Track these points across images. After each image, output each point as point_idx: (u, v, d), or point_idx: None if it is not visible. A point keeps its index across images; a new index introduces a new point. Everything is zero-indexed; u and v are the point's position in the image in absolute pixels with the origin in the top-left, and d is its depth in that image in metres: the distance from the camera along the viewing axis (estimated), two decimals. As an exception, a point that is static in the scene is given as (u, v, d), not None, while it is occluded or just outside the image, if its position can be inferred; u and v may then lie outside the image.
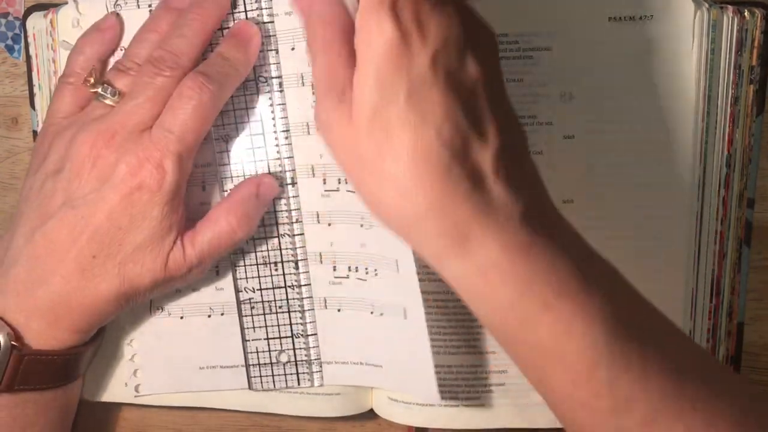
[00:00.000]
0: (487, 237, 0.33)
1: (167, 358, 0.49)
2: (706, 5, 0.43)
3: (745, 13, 0.45)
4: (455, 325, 0.47)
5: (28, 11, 0.49)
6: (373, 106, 0.33)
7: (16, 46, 0.51)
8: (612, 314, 0.34)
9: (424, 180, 0.33)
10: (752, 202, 0.47)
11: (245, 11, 0.45)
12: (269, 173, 0.46)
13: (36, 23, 0.48)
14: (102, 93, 0.43)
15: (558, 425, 0.43)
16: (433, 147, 0.33)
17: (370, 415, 0.50)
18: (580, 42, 0.45)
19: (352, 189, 0.45)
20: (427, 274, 0.46)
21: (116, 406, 0.52)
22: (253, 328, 0.48)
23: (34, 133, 0.50)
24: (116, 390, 0.50)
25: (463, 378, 0.48)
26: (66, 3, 0.47)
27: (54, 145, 0.43)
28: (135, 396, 0.50)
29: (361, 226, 0.45)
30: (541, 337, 0.34)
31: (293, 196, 0.46)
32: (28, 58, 0.49)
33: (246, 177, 0.46)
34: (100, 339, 0.47)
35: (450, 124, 0.33)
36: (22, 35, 0.50)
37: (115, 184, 0.41)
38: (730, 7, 0.45)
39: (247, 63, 0.44)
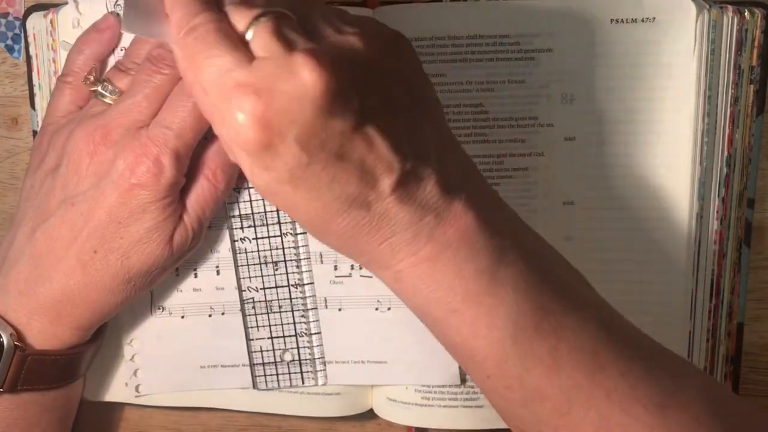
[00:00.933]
0: (397, 255, 0.36)
1: (168, 357, 0.49)
2: (707, 6, 0.43)
3: (745, 13, 0.45)
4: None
5: (28, 11, 0.49)
6: (263, 182, 0.34)
7: (16, 46, 0.51)
8: (521, 312, 0.36)
9: (329, 226, 0.36)
10: (752, 202, 0.47)
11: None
12: None
13: (36, 23, 0.48)
14: (101, 91, 0.43)
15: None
16: (329, 204, 0.34)
17: (370, 415, 0.50)
18: (582, 44, 0.45)
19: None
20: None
21: (116, 406, 0.52)
22: (257, 327, 0.48)
23: (34, 133, 0.50)
24: (116, 390, 0.50)
25: (463, 378, 0.48)
26: (66, 3, 0.47)
27: (52, 142, 0.43)
28: (135, 396, 0.50)
29: None
30: (452, 338, 0.37)
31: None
32: (28, 58, 0.49)
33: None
34: (101, 339, 0.47)
35: (338, 185, 0.34)
36: (22, 35, 0.50)
37: (114, 180, 0.41)
38: (730, 7, 0.45)
39: None
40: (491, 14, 0.45)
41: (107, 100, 0.42)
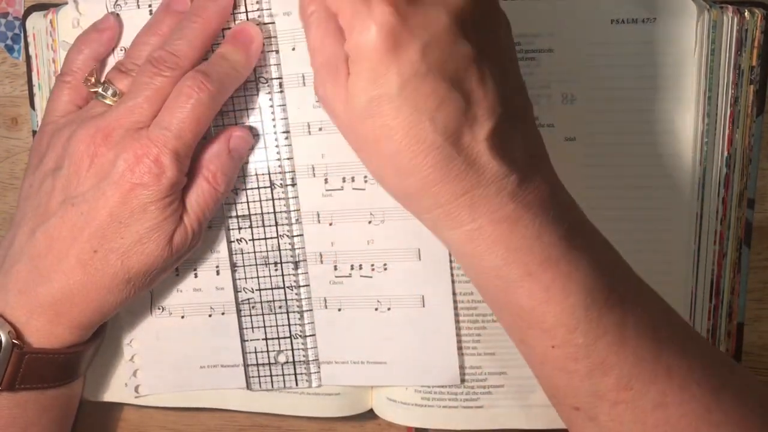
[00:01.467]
0: (477, 210, 0.35)
1: (167, 357, 0.49)
2: (707, 6, 0.43)
3: (745, 13, 0.45)
4: (454, 327, 0.47)
5: (28, 11, 0.49)
6: (367, 97, 0.34)
7: (16, 46, 0.51)
8: (594, 282, 0.36)
9: (418, 161, 0.35)
10: (752, 202, 0.47)
11: (246, 12, 0.45)
12: (241, 127, 0.45)
13: (36, 23, 0.48)
14: (102, 93, 0.43)
15: (557, 426, 0.43)
16: (426, 134, 0.34)
17: (370, 415, 0.50)
18: (582, 44, 0.45)
19: (359, 186, 0.45)
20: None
21: (116, 406, 0.52)
22: (252, 328, 0.48)
23: (34, 132, 0.50)
24: (116, 390, 0.50)
25: (462, 379, 0.48)
26: (66, 3, 0.47)
27: (52, 143, 0.43)
28: (135, 396, 0.50)
29: (370, 222, 0.45)
30: (522, 303, 0.36)
31: (293, 197, 0.46)
32: (28, 58, 0.49)
33: (246, 176, 0.46)
34: (101, 338, 0.47)
35: (442, 112, 0.34)
36: (22, 35, 0.50)
37: (115, 181, 0.41)
38: (730, 7, 0.45)
39: (247, 65, 0.44)
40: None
41: (108, 101, 0.43)
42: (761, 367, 0.50)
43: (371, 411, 0.50)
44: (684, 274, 0.46)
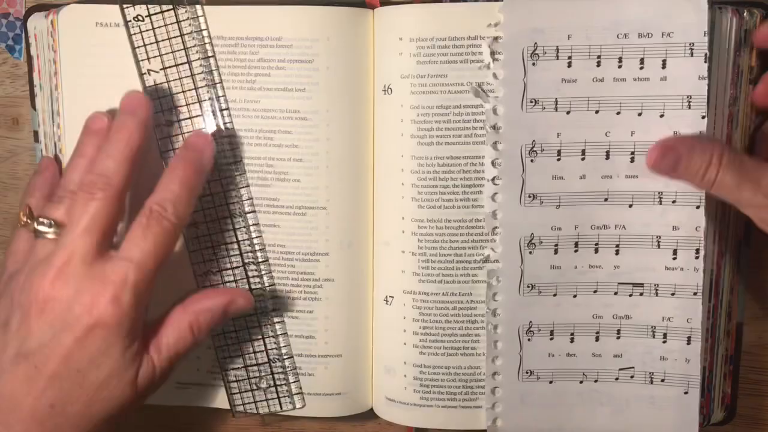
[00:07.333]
0: None
1: None
2: (707, 7, 0.43)
3: (745, 14, 0.45)
4: (454, 327, 0.47)
5: (29, 12, 0.49)
6: None
7: (17, 47, 0.51)
8: None
9: None
10: (751, 203, 0.47)
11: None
12: (245, 294, 0.45)
13: (37, 24, 0.48)
14: (40, 229, 0.41)
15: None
16: None
17: (370, 415, 0.50)
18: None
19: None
20: (425, 276, 0.47)
21: (117, 406, 0.52)
22: (230, 357, 0.49)
23: (35, 133, 0.50)
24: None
25: (461, 379, 0.48)
26: (67, 3, 0.47)
27: (3, 294, 0.42)
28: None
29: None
30: None
31: (253, 224, 0.47)
32: (29, 58, 0.49)
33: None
34: None
35: None
36: (23, 36, 0.50)
37: (70, 325, 0.39)
38: (730, 8, 0.45)
39: (200, 179, 0.43)
40: (492, 15, 0.45)
41: (50, 236, 0.41)
42: (760, 367, 0.50)
43: (371, 411, 0.50)
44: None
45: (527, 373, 0.47)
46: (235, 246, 0.47)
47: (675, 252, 0.45)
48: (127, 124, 0.42)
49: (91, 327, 0.39)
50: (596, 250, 0.46)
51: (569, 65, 0.44)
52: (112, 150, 0.41)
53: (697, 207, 0.45)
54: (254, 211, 0.47)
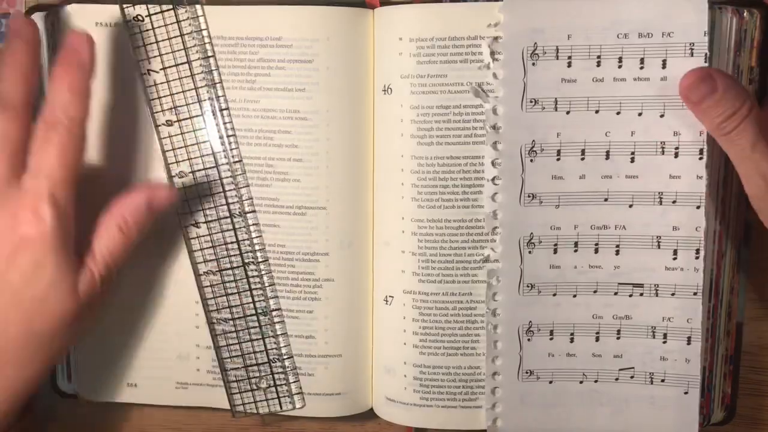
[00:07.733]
0: None
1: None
2: (707, 7, 0.43)
3: (745, 14, 0.45)
4: (453, 327, 0.47)
5: (29, 12, 0.49)
6: None
7: (17, 47, 0.51)
8: None
9: None
10: (751, 203, 0.47)
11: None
12: (166, 186, 0.45)
13: (37, 23, 0.48)
14: None
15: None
16: None
17: (370, 415, 0.50)
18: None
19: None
20: (425, 276, 0.47)
21: (116, 406, 0.52)
22: (230, 357, 0.49)
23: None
24: (116, 390, 0.50)
25: (461, 379, 0.48)
26: (67, 4, 0.47)
27: None
28: (135, 396, 0.50)
29: None
30: None
31: (253, 224, 0.47)
32: (29, 58, 0.49)
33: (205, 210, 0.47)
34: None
35: None
36: (23, 36, 0.50)
37: None
38: (730, 8, 0.45)
39: (85, 78, 0.42)
40: (492, 15, 0.45)
41: None
42: (760, 367, 0.50)
43: (371, 411, 0.50)
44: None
45: (527, 373, 0.47)
46: (235, 246, 0.48)
47: (675, 252, 0.45)
48: (13, 44, 0.41)
49: (17, 245, 0.39)
50: (596, 250, 0.46)
51: (569, 65, 0.44)
52: (4, 72, 0.41)
53: (698, 207, 0.45)
54: (254, 211, 0.47)
